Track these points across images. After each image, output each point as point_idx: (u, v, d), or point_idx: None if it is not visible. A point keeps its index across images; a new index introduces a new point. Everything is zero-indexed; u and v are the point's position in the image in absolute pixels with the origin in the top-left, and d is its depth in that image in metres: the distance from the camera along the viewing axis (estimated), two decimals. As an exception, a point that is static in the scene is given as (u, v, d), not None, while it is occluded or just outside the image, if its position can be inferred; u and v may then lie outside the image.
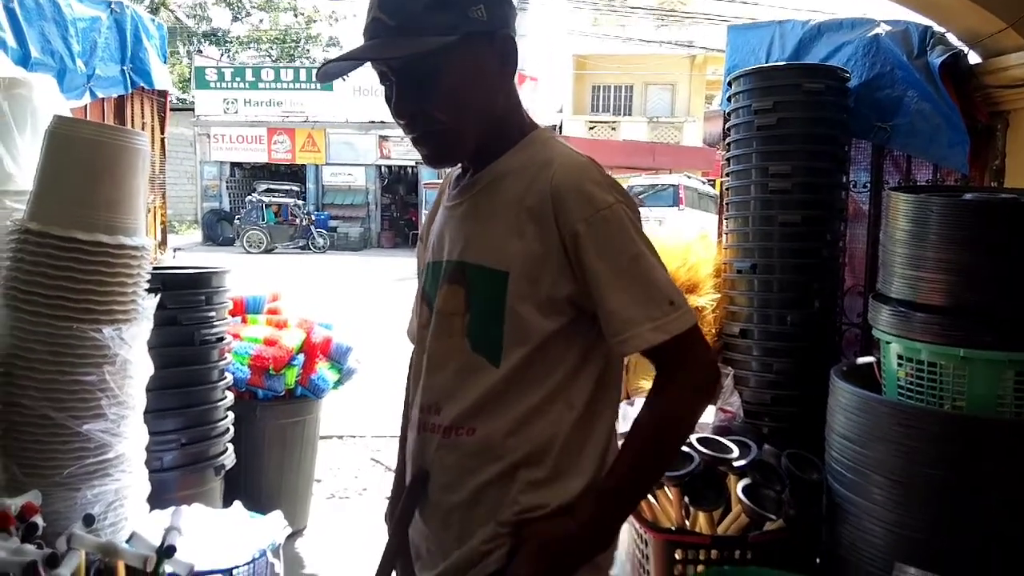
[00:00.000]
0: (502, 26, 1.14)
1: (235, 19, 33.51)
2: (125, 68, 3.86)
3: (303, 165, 24.39)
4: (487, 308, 1.17)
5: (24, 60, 3.18)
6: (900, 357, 2.17)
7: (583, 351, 1.18)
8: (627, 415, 3.04)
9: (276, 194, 22.37)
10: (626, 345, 1.11)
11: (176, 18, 30.57)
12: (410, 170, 24.41)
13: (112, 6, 3.77)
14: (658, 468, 1.25)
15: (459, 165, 1.29)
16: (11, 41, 3.14)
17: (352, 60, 1.13)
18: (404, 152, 23.12)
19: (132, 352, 2.27)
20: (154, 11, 26.97)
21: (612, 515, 1.16)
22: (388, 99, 1.16)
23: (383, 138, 23.52)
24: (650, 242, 1.15)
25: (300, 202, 22.50)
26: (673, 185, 16.47)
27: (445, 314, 1.22)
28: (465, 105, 1.14)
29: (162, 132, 4.43)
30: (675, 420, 1.15)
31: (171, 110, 4.59)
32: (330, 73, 1.16)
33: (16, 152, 2.58)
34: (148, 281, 2.38)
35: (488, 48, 1.14)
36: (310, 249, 21.29)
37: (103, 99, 3.79)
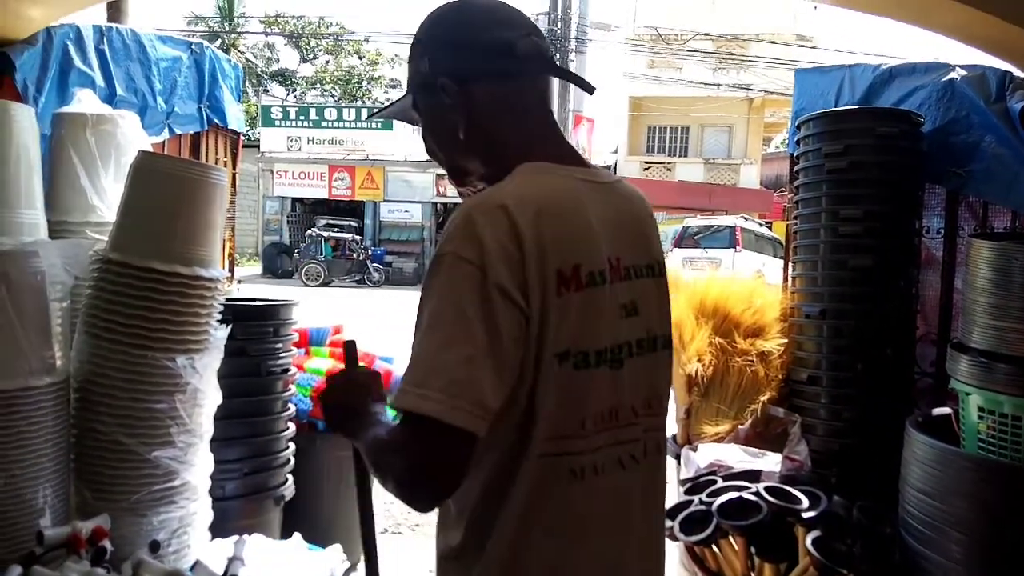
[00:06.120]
0: (441, 73, 1.20)
1: (303, 60, 34.62)
2: (202, 106, 4.00)
3: (362, 201, 24.86)
4: None
5: (110, 98, 3.34)
6: (981, 409, 2.09)
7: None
8: (689, 460, 2.99)
9: (335, 229, 22.80)
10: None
11: (246, 59, 31.68)
12: (465, 207, 24.63)
13: (192, 47, 3.93)
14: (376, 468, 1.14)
15: None
16: (99, 80, 3.30)
17: (380, 111, 1.40)
18: (460, 190, 23.38)
19: (203, 381, 2.31)
20: (225, 51, 27.97)
21: (360, 435, 1.17)
22: None
23: (439, 176, 23.85)
24: (469, 304, 1.00)
25: (358, 237, 22.88)
26: (730, 227, 16.38)
27: None
28: (437, 145, 1.29)
29: (234, 168, 4.55)
30: (385, 467, 1.07)
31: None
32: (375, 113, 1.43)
33: (100, 185, 2.69)
34: (220, 312, 2.43)
35: (433, 95, 1.22)
36: (365, 283, 21.58)
37: (180, 135, 3.93)
